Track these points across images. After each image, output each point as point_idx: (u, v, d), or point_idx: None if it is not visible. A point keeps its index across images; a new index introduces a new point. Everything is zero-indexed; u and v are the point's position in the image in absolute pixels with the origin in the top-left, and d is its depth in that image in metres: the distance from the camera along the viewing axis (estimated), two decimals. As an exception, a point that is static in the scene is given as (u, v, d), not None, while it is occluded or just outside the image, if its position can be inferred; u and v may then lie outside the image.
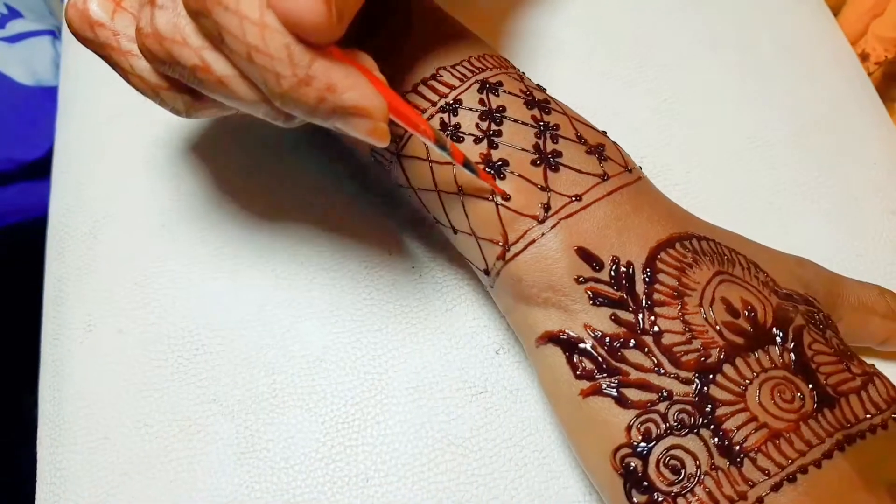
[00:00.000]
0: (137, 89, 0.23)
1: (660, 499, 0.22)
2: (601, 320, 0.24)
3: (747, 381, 0.22)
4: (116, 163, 0.35)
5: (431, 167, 0.26)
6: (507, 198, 0.25)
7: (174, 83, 0.22)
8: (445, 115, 0.26)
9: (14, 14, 0.52)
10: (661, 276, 0.24)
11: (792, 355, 0.23)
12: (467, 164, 0.24)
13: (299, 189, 0.33)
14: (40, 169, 0.51)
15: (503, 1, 0.40)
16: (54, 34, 0.53)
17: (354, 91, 0.19)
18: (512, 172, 0.25)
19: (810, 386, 0.22)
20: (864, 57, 0.40)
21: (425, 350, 0.30)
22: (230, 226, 0.33)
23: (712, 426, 0.22)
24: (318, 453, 0.28)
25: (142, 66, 0.22)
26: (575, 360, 0.24)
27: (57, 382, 0.30)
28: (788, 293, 0.25)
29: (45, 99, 0.50)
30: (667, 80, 0.37)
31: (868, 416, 0.23)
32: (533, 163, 0.25)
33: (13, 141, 0.49)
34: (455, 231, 0.27)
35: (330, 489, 0.28)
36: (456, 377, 0.30)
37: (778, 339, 0.23)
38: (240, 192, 0.34)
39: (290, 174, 0.34)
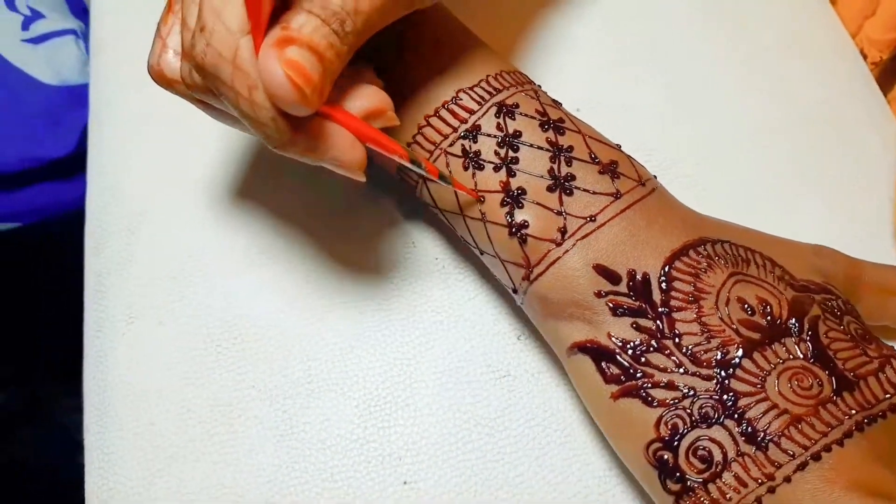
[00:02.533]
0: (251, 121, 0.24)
1: (693, 485, 0.23)
2: (623, 329, 0.25)
3: (766, 373, 0.24)
4: (150, 161, 0.36)
5: (457, 192, 0.28)
6: (481, 200, 0.28)
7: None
8: (466, 143, 0.28)
9: (36, 15, 0.53)
10: (676, 284, 0.25)
11: (809, 345, 0.24)
12: (443, 178, 0.27)
13: (327, 185, 0.35)
14: (66, 167, 0.52)
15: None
16: (76, 33, 0.54)
17: (332, 150, 0.23)
18: (530, 201, 0.27)
19: (828, 372, 0.24)
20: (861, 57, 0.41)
21: (450, 337, 0.32)
22: (262, 221, 0.34)
23: (736, 416, 0.24)
24: (352, 434, 0.30)
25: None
26: (603, 366, 0.26)
27: (101, 373, 0.32)
28: (805, 284, 0.26)
29: (70, 98, 0.52)
30: (675, 75, 0.38)
31: (887, 395, 0.24)
32: (549, 188, 0.27)
33: (40, 140, 0.50)
34: (482, 253, 0.29)
35: (365, 468, 0.29)
36: (480, 362, 0.31)
37: (794, 331, 0.25)
38: (271, 188, 0.35)
39: (318, 171, 0.35)
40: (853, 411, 0.23)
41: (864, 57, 0.40)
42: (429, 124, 0.28)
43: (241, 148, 0.36)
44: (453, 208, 0.29)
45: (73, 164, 0.51)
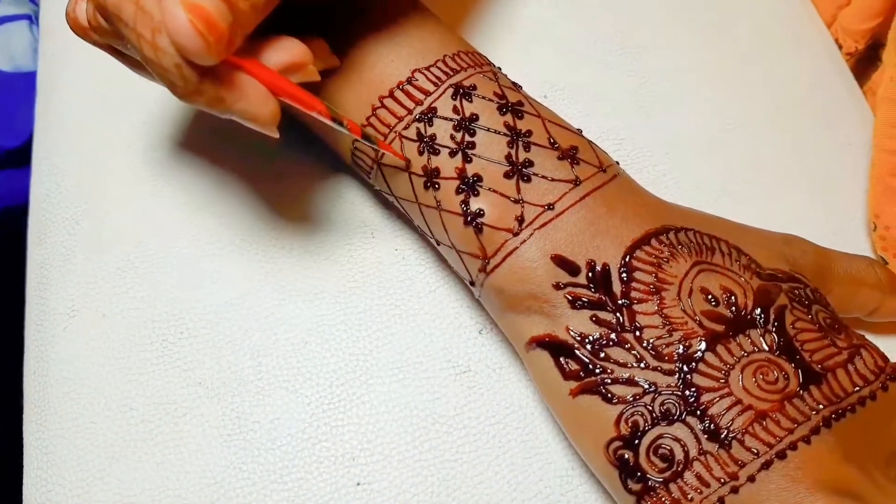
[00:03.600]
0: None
1: (653, 485, 0.22)
2: (582, 322, 0.24)
3: (729, 367, 0.23)
4: (97, 148, 0.35)
5: (411, 178, 0.27)
6: (407, 164, 0.27)
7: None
8: (421, 126, 0.27)
9: (-11, 0, 0.51)
10: (637, 274, 0.24)
11: (775, 336, 0.23)
12: (367, 137, 0.26)
13: (282, 172, 0.33)
14: (20, 157, 0.50)
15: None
16: (31, 19, 0.52)
17: (242, 102, 0.22)
18: (486, 188, 0.26)
19: (793, 365, 0.23)
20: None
21: (409, 331, 0.30)
22: (213, 210, 0.33)
23: (698, 412, 0.22)
24: (304, 434, 0.29)
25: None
26: (562, 362, 0.24)
27: (41, 368, 0.31)
28: (772, 273, 0.25)
29: (24, 85, 0.50)
30: (646, 62, 0.38)
31: (856, 388, 0.23)
32: (506, 175, 0.26)
33: (-7, 128, 0.49)
34: (438, 243, 0.28)
35: (316, 469, 0.28)
36: (440, 357, 0.30)
37: (760, 322, 0.24)
38: (222, 176, 0.34)
39: (272, 159, 0.34)
40: (820, 406, 0.22)
41: (840, 47, 0.40)
42: (383, 106, 0.27)
43: (191, 136, 0.34)
44: (408, 196, 0.27)
45: (29, 155, 0.49)
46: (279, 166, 0.33)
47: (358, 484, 0.28)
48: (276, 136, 0.23)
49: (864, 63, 0.40)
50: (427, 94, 0.27)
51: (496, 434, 0.29)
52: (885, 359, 0.24)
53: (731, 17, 0.39)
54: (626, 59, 0.38)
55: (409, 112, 0.27)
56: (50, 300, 0.32)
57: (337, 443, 0.28)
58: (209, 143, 0.34)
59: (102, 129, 0.35)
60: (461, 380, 0.30)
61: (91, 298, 0.31)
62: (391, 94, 0.27)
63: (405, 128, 0.27)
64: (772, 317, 0.24)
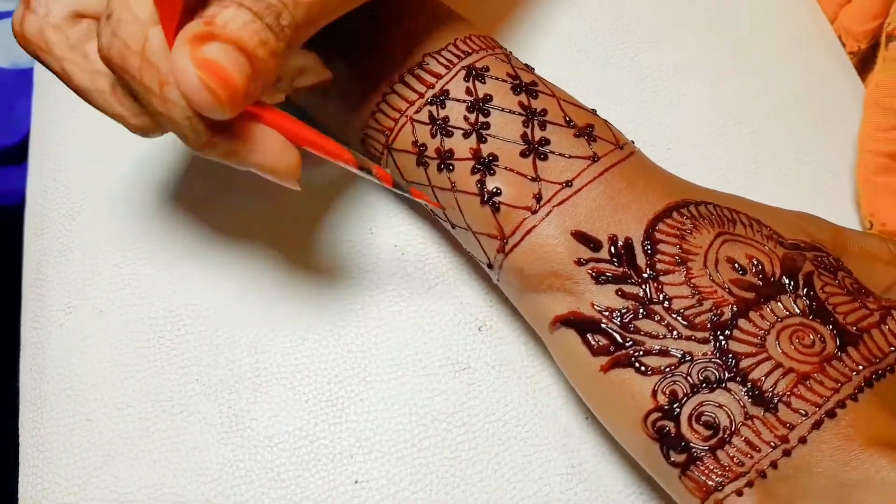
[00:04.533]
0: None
1: (699, 454, 0.22)
2: (608, 297, 0.24)
3: (764, 332, 0.23)
4: (94, 144, 0.34)
5: (425, 161, 0.26)
6: (443, 209, 0.26)
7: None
8: (434, 108, 0.26)
9: (-13, -5, 0.51)
10: (661, 247, 0.24)
11: (806, 301, 0.23)
12: (397, 185, 0.25)
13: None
14: (18, 154, 0.50)
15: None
16: (29, 15, 0.52)
17: (258, 155, 0.21)
18: (502, 167, 0.25)
19: (829, 327, 0.23)
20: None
21: (408, 327, 0.30)
22: (210, 206, 0.32)
23: (739, 378, 0.22)
24: (301, 431, 0.28)
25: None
26: (589, 338, 0.24)
27: (38, 365, 0.30)
28: (795, 242, 0.25)
29: (22, 81, 0.50)
30: (647, 58, 0.37)
31: (892, 348, 0.23)
32: (522, 154, 0.26)
33: (-8, 125, 0.48)
34: (453, 226, 0.27)
35: (314, 466, 0.28)
36: (439, 354, 0.30)
37: (789, 288, 0.23)
38: (220, 172, 0.33)
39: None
40: (860, 367, 0.22)
41: (843, 45, 0.39)
42: (393, 91, 0.27)
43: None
44: (420, 179, 0.27)
45: (26, 151, 0.49)
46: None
47: (356, 482, 0.28)
48: (298, 188, 0.22)
49: (869, 61, 0.39)
50: (439, 77, 0.27)
51: (495, 431, 0.28)
52: None
53: (732, 13, 0.39)
54: (627, 54, 0.37)
55: (421, 96, 0.27)
56: (46, 296, 0.31)
57: (335, 440, 0.28)
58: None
59: (100, 125, 0.35)
60: (460, 377, 0.29)
61: (88, 295, 0.31)
62: (401, 80, 0.27)
63: (417, 111, 0.27)
64: (801, 282, 0.24)
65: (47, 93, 0.37)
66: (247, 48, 0.19)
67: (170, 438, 0.28)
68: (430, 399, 0.29)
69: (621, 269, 0.24)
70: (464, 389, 0.29)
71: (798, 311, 0.23)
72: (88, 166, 0.34)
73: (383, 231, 0.32)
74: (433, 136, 0.26)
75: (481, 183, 0.26)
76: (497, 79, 0.27)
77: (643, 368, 0.23)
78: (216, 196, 0.33)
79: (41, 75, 0.37)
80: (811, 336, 0.23)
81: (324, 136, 0.22)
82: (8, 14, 0.51)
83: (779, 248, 0.25)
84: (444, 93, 0.26)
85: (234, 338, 0.30)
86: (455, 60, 0.27)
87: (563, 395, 0.29)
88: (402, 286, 0.31)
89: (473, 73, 0.26)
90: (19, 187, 0.51)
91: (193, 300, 0.31)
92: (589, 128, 0.26)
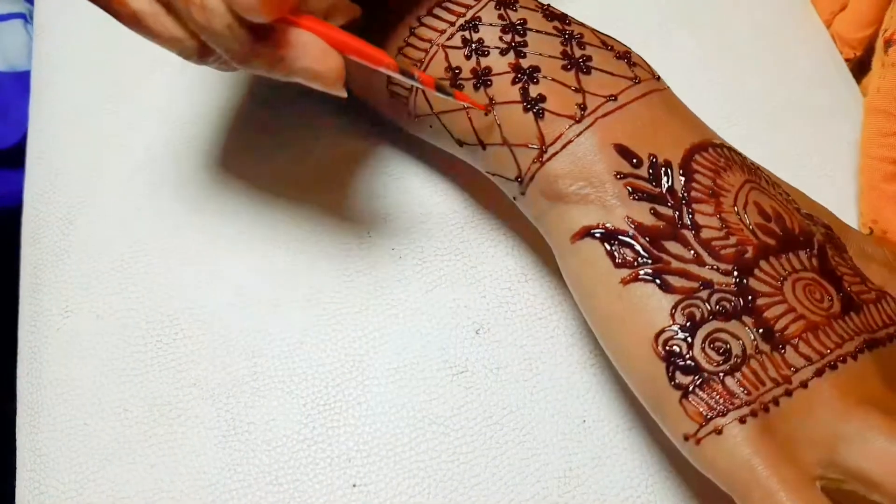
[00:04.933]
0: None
1: (708, 378, 0.22)
2: (641, 213, 0.24)
3: (782, 278, 0.23)
4: (90, 148, 0.34)
5: (459, 85, 0.26)
6: (488, 111, 0.26)
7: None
8: (466, 33, 0.26)
9: (-17, -1, 0.51)
10: (697, 176, 0.24)
11: (817, 262, 0.24)
12: (440, 88, 0.24)
13: (277, 172, 0.33)
14: (14, 157, 0.50)
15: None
16: (25, 17, 0.52)
17: (303, 60, 0.21)
18: (545, 77, 0.25)
19: (837, 290, 0.23)
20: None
21: (406, 331, 0.30)
22: (207, 210, 0.32)
23: (753, 314, 0.22)
24: (299, 435, 0.28)
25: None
26: (614, 251, 0.24)
27: (35, 369, 0.30)
28: (809, 214, 0.26)
29: (18, 84, 0.50)
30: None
31: (885, 325, 0.23)
32: (564, 68, 0.26)
33: (-12, 128, 0.48)
34: (484, 146, 0.27)
35: (312, 470, 0.28)
36: (436, 357, 0.30)
37: (805, 247, 0.24)
38: (217, 176, 0.33)
39: (267, 158, 0.33)
40: (860, 331, 0.23)
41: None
42: (421, 24, 0.27)
43: (184, 136, 0.34)
44: (455, 105, 0.27)
45: (22, 155, 0.49)
46: (274, 167, 0.33)
47: (354, 485, 0.28)
48: (345, 94, 0.23)
49: (865, 66, 0.40)
50: (468, 7, 0.27)
51: (493, 435, 0.28)
52: None
53: (729, 16, 0.39)
54: (624, 58, 0.37)
55: (452, 24, 0.27)
56: (43, 300, 0.31)
57: (333, 444, 0.28)
58: (204, 143, 0.34)
59: (96, 129, 0.35)
60: (458, 380, 0.29)
61: (85, 299, 0.31)
62: (430, 12, 0.27)
63: (448, 38, 0.26)
64: (815, 245, 0.24)
65: (44, 96, 0.37)
66: None
67: (167, 443, 0.28)
68: (428, 402, 0.29)
69: (658, 190, 0.24)
70: (461, 393, 0.29)
71: (812, 268, 0.24)
72: (85, 170, 0.34)
73: (381, 234, 0.32)
74: (468, 57, 0.26)
75: (524, 90, 0.25)
76: (528, 8, 0.27)
77: (665, 286, 0.23)
78: (213, 200, 0.33)
79: (38, 79, 0.37)
80: (821, 293, 0.23)
81: (364, 42, 0.22)
82: (3, 18, 0.51)
83: (796, 213, 0.25)
84: (477, 19, 0.26)
85: (231, 342, 0.30)
86: None
87: (560, 398, 0.29)
88: (399, 289, 0.31)
89: (504, 2, 0.27)
90: (16, 191, 0.51)
91: (190, 305, 0.31)
92: (627, 54, 0.27)
